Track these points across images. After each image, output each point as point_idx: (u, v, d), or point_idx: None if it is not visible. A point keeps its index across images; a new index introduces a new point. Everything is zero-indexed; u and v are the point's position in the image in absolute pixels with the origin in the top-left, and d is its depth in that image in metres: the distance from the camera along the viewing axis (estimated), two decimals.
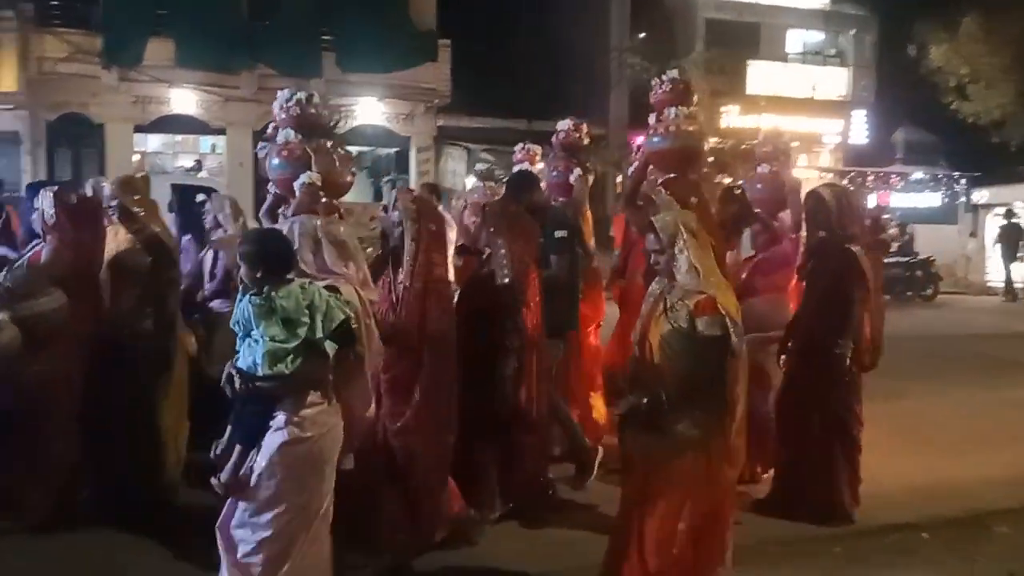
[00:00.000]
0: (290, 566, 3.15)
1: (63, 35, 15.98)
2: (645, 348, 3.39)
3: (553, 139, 6.18)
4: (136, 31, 15.83)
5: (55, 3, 16.14)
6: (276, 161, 4.83)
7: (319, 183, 4.44)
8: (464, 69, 18.06)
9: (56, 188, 4.44)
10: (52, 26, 15.97)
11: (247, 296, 3.17)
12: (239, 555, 3.15)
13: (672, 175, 5.08)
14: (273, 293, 3.10)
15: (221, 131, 17.57)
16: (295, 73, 15.30)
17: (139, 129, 17.19)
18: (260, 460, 3.12)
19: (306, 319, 3.11)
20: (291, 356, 3.10)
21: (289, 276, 3.19)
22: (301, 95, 4.92)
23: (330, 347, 3.15)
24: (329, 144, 5.02)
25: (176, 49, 16.11)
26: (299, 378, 3.13)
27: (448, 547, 4.11)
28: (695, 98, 5.61)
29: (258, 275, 3.14)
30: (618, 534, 3.46)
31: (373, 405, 3.69)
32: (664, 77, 5.49)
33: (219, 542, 3.21)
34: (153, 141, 18.26)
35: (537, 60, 18.75)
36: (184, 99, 16.93)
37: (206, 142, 18.51)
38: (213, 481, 3.19)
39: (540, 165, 6.17)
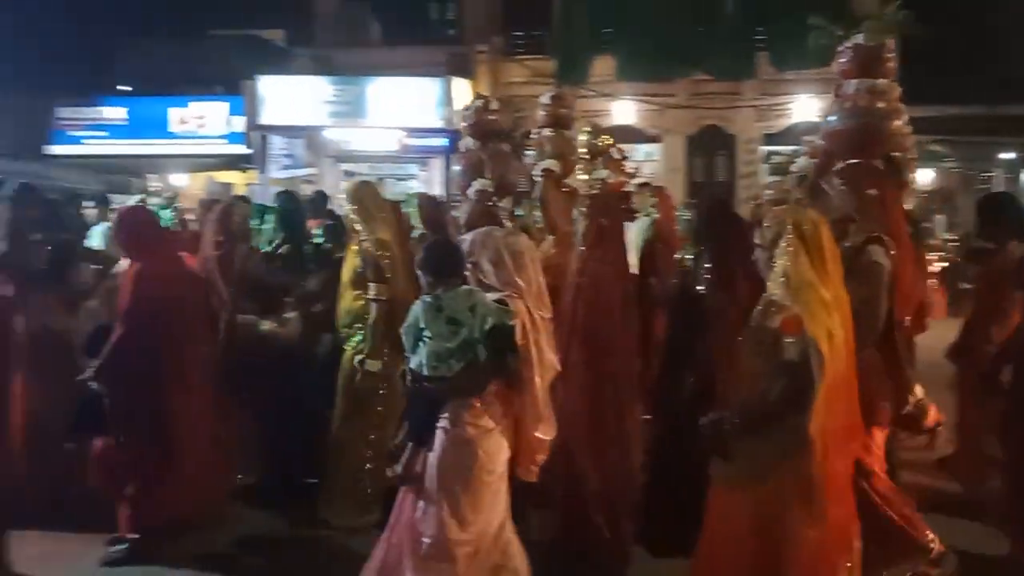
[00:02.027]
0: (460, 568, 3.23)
1: (523, 61, 18.18)
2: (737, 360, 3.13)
3: None
4: (583, 52, 17.40)
5: (518, 35, 18.38)
6: (456, 168, 5.12)
7: (491, 188, 4.53)
8: (914, 55, 16.45)
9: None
10: (516, 54, 18.28)
11: (420, 298, 3.43)
12: (417, 548, 3.29)
13: (853, 160, 4.50)
14: (441, 294, 3.34)
15: (656, 139, 18.42)
16: (730, 76, 15.55)
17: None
18: (430, 458, 3.31)
19: (467, 320, 3.26)
20: (452, 358, 3.27)
21: (459, 282, 3.38)
22: (479, 102, 4.93)
23: (484, 351, 3.25)
24: (508, 148, 4.95)
25: (617, 64, 17.33)
26: (460, 381, 3.27)
27: None
28: (890, 67, 4.47)
29: (430, 280, 3.39)
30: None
31: (549, 427, 3.50)
32: (847, 44, 4.39)
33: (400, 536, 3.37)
34: None
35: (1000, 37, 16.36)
36: (624, 110, 18.06)
37: (642, 150, 19.53)
38: (388, 472, 3.44)
39: None
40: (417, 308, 3.42)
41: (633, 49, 17.16)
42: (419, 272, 3.51)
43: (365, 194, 4.81)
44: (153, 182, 18.27)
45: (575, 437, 4.03)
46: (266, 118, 17.17)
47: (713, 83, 17.33)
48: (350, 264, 4.77)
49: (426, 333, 3.34)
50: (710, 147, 18.29)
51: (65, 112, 18.80)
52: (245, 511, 4.93)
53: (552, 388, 3.56)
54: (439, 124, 16.47)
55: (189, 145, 18.21)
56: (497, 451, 3.33)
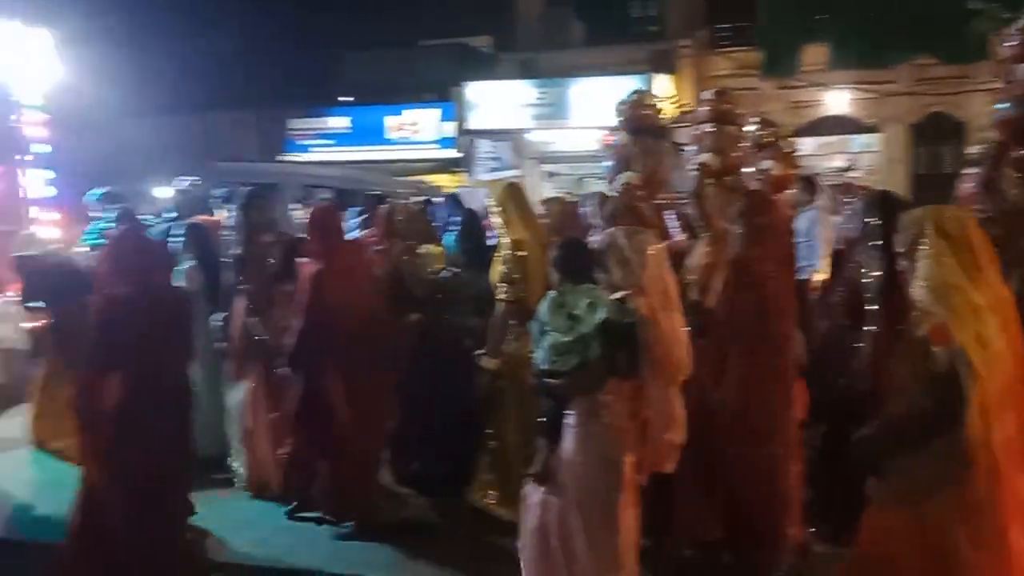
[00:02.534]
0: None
1: (729, 54, 17.71)
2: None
3: None
4: (792, 43, 16.70)
5: (724, 27, 17.93)
6: (608, 163, 4.92)
7: (637, 183, 4.39)
8: None
9: None
10: (720, 47, 17.85)
11: (548, 294, 3.49)
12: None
13: None
14: (565, 289, 3.42)
15: (874, 129, 17.32)
16: (961, 59, 14.31)
17: (794, 134, 18.03)
18: (561, 455, 3.34)
19: (585, 315, 3.29)
20: (569, 353, 3.28)
21: (588, 281, 3.42)
22: (633, 96, 4.68)
23: (597, 347, 3.23)
24: (661, 143, 4.78)
25: (830, 52, 16.47)
26: (576, 377, 3.28)
27: None
28: None
29: (559, 278, 3.51)
30: None
31: (679, 430, 3.43)
32: (1015, 26, 3.64)
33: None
34: (807, 144, 18.92)
35: None
36: (837, 100, 17.14)
37: (858, 141, 18.44)
38: (523, 470, 3.51)
39: None
40: (543, 303, 3.50)
41: (847, 35, 16.25)
42: (550, 269, 3.62)
43: (509, 196, 4.83)
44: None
45: (737, 437, 3.95)
46: (474, 123, 17.92)
47: (938, 67, 16.01)
48: (497, 265, 4.83)
49: (548, 327, 3.39)
50: (936, 136, 16.94)
51: (296, 123, 20.62)
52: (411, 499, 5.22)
53: (700, 389, 3.54)
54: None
55: (404, 151, 19.35)
56: (623, 449, 3.33)
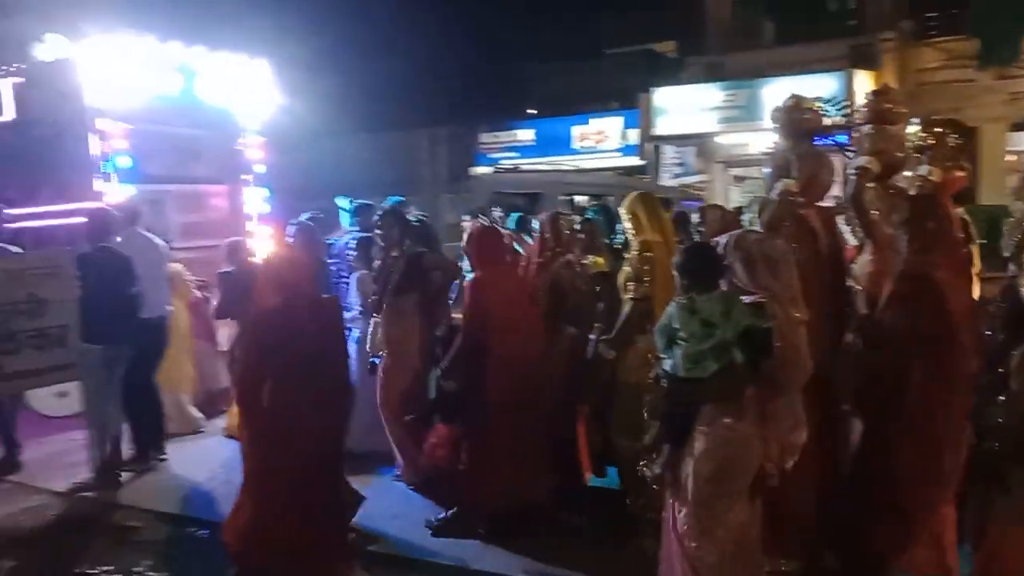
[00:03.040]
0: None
1: (938, 44, 16.40)
2: None
3: None
4: (1012, 29, 15.19)
5: (932, 15, 16.65)
6: (766, 170, 4.75)
7: (795, 189, 4.26)
8: None
9: None
10: (928, 38, 16.58)
11: (674, 300, 3.47)
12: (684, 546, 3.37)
13: None
14: (695, 296, 3.37)
15: None
16: None
17: (1014, 128, 16.45)
18: (689, 460, 3.34)
19: (722, 322, 3.27)
20: (707, 360, 3.28)
21: (715, 286, 3.40)
22: (790, 100, 4.56)
23: (739, 354, 3.24)
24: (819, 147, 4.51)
25: None
26: (715, 383, 3.27)
27: None
28: None
29: (685, 283, 3.46)
30: None
31: (801, 431, 3.42)
32: None
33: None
34: None
35: None
36: None
37: None
38: (644, 472, 3.54)
39: None
40: (671, 309, 3.46)
41: None
42: (675, 274, 3.57)
43: (639, 202, 4.90)
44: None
45: (917, 452, 3.77)
46: (660, 129, 17.70)
47: None
48: (627, 266, 4.88)
49: (680, 335, 3.37)
50: None
51: (486, 138, 21.32)
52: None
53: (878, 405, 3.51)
54: (836, 121, 15.57)
55: (589, 160, 19.49)
56: (754, 454, 3.34)
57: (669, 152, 18.54)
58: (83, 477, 5.85)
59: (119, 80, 7.54)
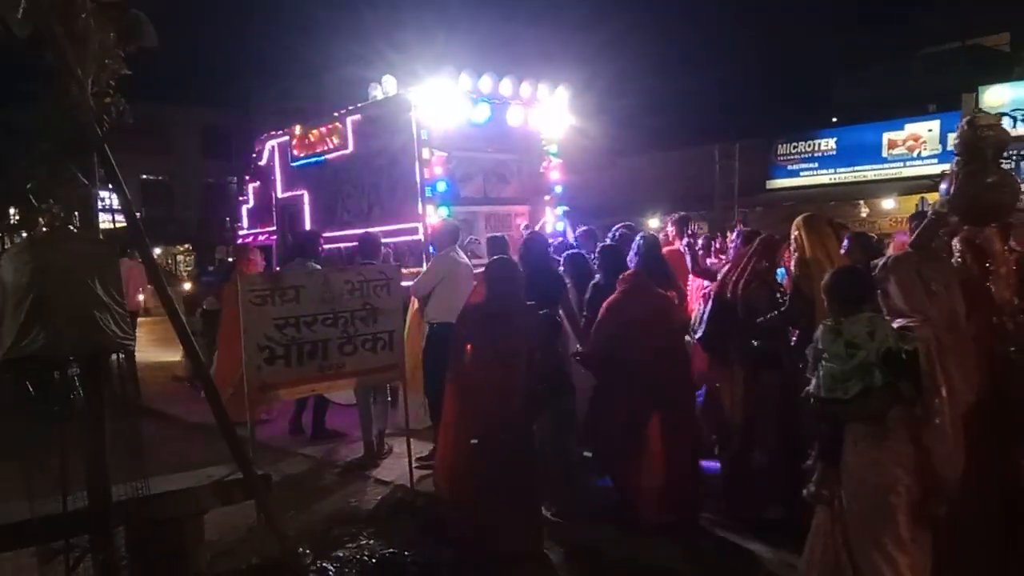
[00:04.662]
0: None
1: None
2: None
3: None
4: None
5: None
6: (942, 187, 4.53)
7: (943, 211, 4.17)
8: None
9: None
10: None
11: (822, 322, 3.56)
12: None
13: None
14: (842, 319, 3.44)
15: None
16: None
17: None
18: (842, 474, 3.45)
19: (865, 344, 3.30)
20: (848, 380, 3.32)
21: (863, 308, 3.46)
22: (968, 117, 4.32)
23: (880, 375, 3.25)
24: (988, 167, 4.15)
25: None
26: (856, 404, 3.31)
27: None
28: None
29: (833, 306, 3.54)
30: None
31: (957, 460, 3.41)
32: None
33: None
34: None
35: None
36: None
37: None
38: (804, 493, 3.56)
39: None
40: (819, 331, 3.54)
41: None
42: (824, 295, 3.63)
43: (805, 222, 4.96)
44: (863, 208, 18.54)
45: None
46: None
47: None
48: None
49: (824, 355, 3.43)
50: None
51: (783, 148, 20.49)
52: None
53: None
54: None
55: (900, 168, 17.98)
56: (894, 475, 3.34)
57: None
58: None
59: (440, 113, 8.37)
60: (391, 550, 4.88)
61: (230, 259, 10.88)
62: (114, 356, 3.63)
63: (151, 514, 3.84)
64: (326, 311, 5.48)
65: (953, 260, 4.21)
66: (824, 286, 3.67)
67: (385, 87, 8.85)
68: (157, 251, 28.51)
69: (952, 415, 3.40)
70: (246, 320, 5.16)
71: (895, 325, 3.46)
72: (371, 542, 5.04)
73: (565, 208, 9.67)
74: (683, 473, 5.06)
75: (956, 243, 4.38)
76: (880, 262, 3.68)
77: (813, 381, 3.52)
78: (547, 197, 9.72)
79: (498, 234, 7.56)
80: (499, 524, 4.62)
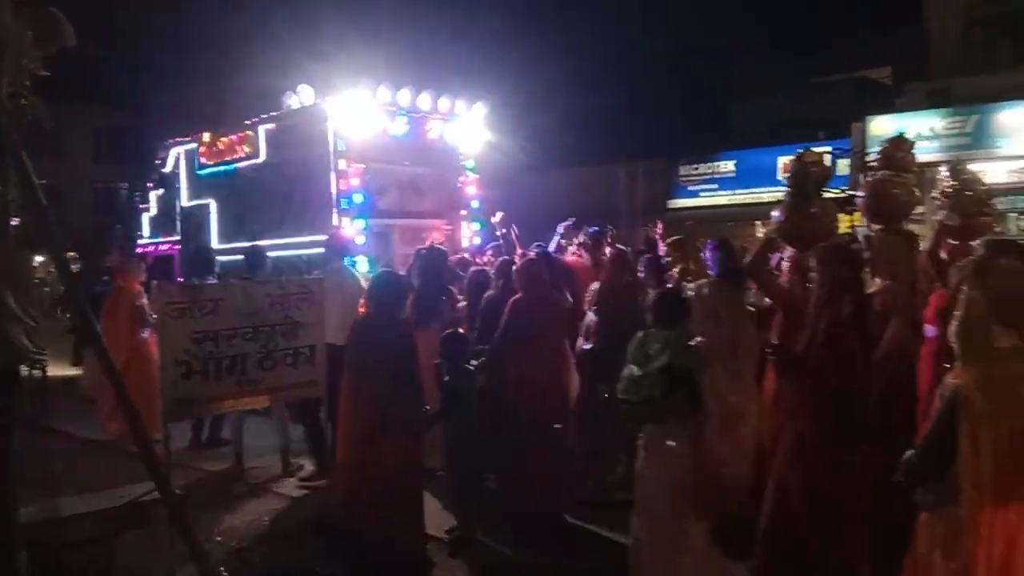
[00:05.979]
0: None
1: None
2: None
3: None
4: None
5: None
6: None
7: (774, 236, 5.01)
8: None
9: None
10: None
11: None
12: None
13: None
14: (652, 331, 3.93)
15: None
16: None
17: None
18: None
19: (656, 357, 3.74)
20: (640, 387, 3.75)
21: (675, 326, 3.93)
22: (795, 156, 5.21)
23: (659, 385, 3.68)
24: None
25: None
26: (642, 408, 3.76)
27: None
28: None
29: (655, 321, 3.99)
30: None
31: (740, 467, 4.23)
32: None
33: None
34: None
35: None
36: None
37: None
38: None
39: None
40: (633, 340, 3.97)
41: None
42: (648, 311, 4.10)
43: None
44: (759, 228, 19.31)
45: None
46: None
47: None
48: None
49: (630, 359, 3.86)
50: None
51: (684, 170, 21.16)
52: None
53: None
54: None
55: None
56: (682, 473, 3.69)
57: None
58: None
59: (358, 125, 8.28)
60: (305, 566, 4.81)
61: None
62: (25, 371, 3.43)
63: (60, 537, 3.64)
64: (246, 324, 5.33)
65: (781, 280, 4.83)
66: (648, 304, 4.16)
67: (301, 96, 8.70)
68: (39, 258, 26.91)
69: (726, 425, 4.22)
70: (163, 333, 4.98)
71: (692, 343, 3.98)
72: (286, 560, 4.94)
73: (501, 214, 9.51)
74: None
75: (784, 264, 5.00)
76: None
77: (620, 382, 3.94)
78: (463, 211, 9.75)
79: (433, 247, 7.38)
80: (386, 533, 4.58)
